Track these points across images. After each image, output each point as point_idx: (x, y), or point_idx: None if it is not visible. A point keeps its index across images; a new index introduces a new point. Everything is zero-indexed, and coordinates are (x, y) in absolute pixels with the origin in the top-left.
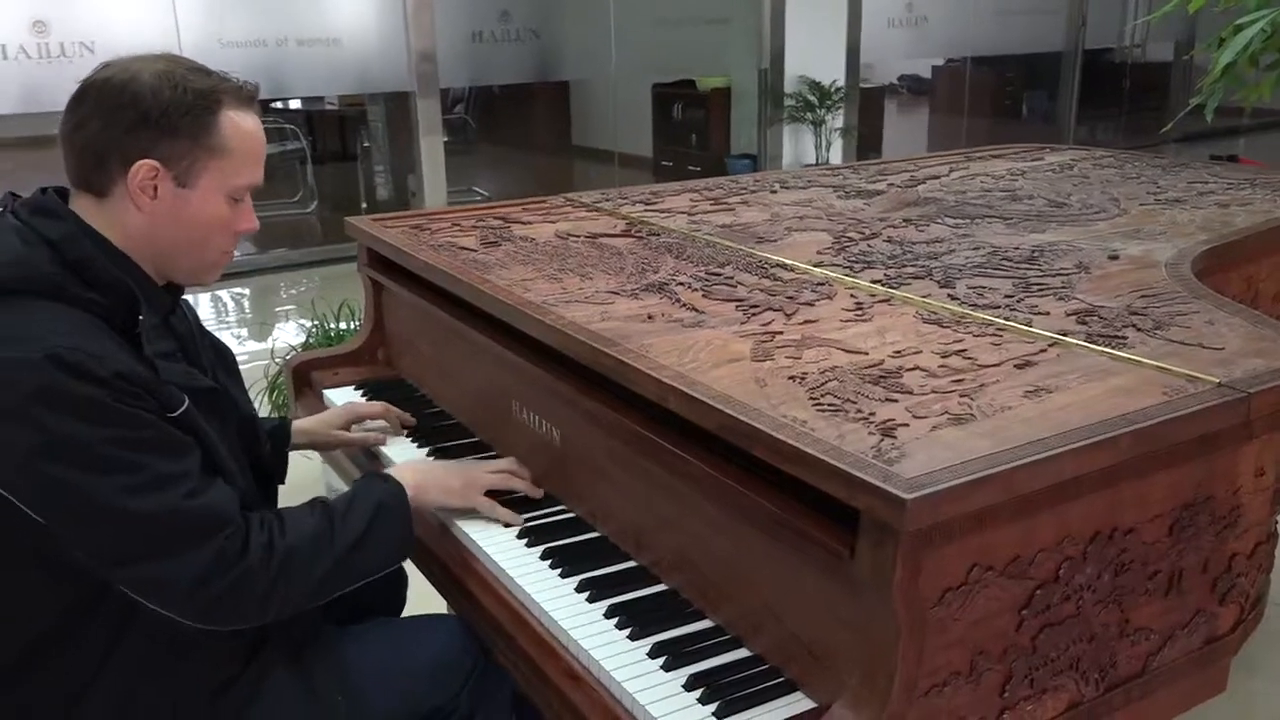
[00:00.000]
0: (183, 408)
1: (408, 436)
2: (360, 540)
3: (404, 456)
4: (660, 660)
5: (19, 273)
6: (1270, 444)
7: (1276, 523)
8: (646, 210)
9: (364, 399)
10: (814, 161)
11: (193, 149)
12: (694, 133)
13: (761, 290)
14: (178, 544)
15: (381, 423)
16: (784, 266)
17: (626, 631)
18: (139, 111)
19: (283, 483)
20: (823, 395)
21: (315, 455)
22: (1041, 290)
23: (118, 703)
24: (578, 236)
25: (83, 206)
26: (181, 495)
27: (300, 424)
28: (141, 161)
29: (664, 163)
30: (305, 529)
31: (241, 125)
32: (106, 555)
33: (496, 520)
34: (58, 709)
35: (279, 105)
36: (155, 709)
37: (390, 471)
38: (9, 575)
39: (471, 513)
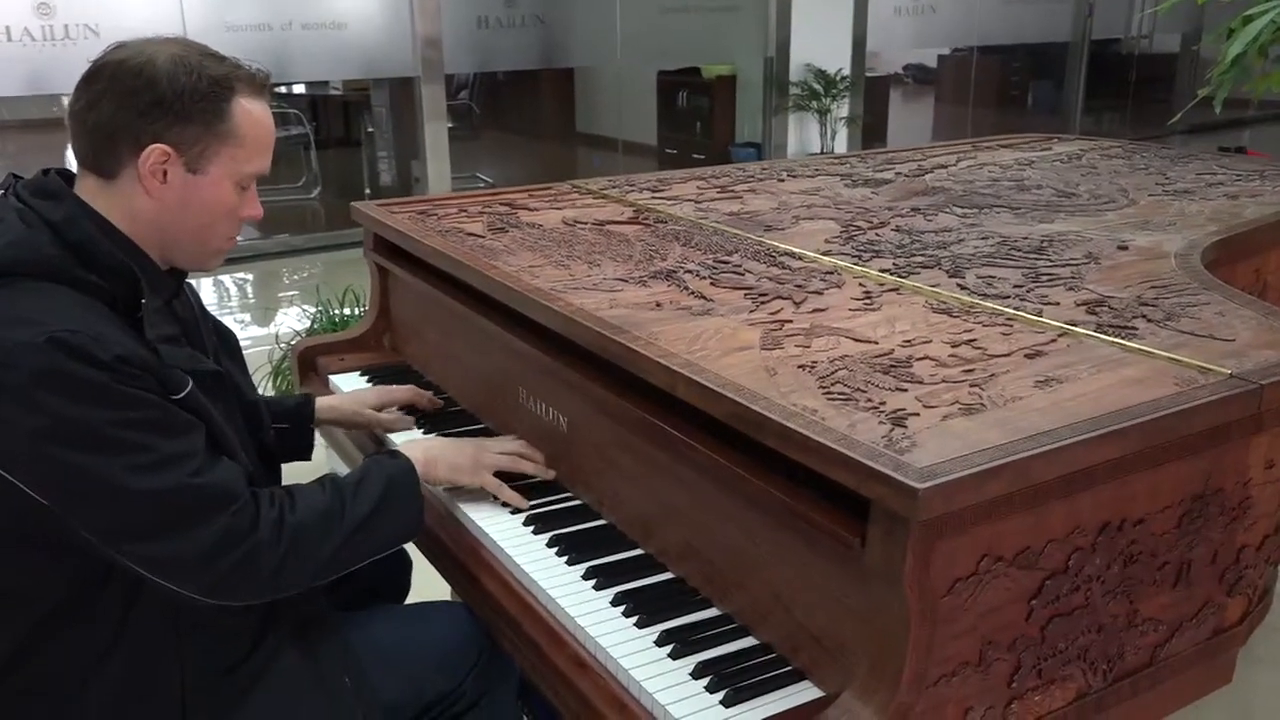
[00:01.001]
0: (186, 390)
1: (414, 424)
2: (370, 517)
3: None
4: (668, 648)
5: (20, 255)
6: None
7: None
8: (654, 197)
9: (370, 384)
10: (819, 150)
11: (205, 135)
12: (699, 121)
13: (770, 279)
14: (185, 520)
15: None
16: (792, 255)
17: (634, 619)
18: (154, 95)
19: (309, 459)
20: (833, 384)
21: (319, 440)
22: (1051, 280)
23: (126, 682)
24: (585, 223)
25: (88, 188)
26: (187, 473)
27: (327, 400)
28: (153, 146)
29: (668, 150)
30: (316, 505)
31: (253, 113)
32: (114, 534)
33: (503, 502)
34: (66, 689)
35: (283, 90)
36: (163, 689)
37: (399, 449)
38: (13, 556)
39: (478, 499)
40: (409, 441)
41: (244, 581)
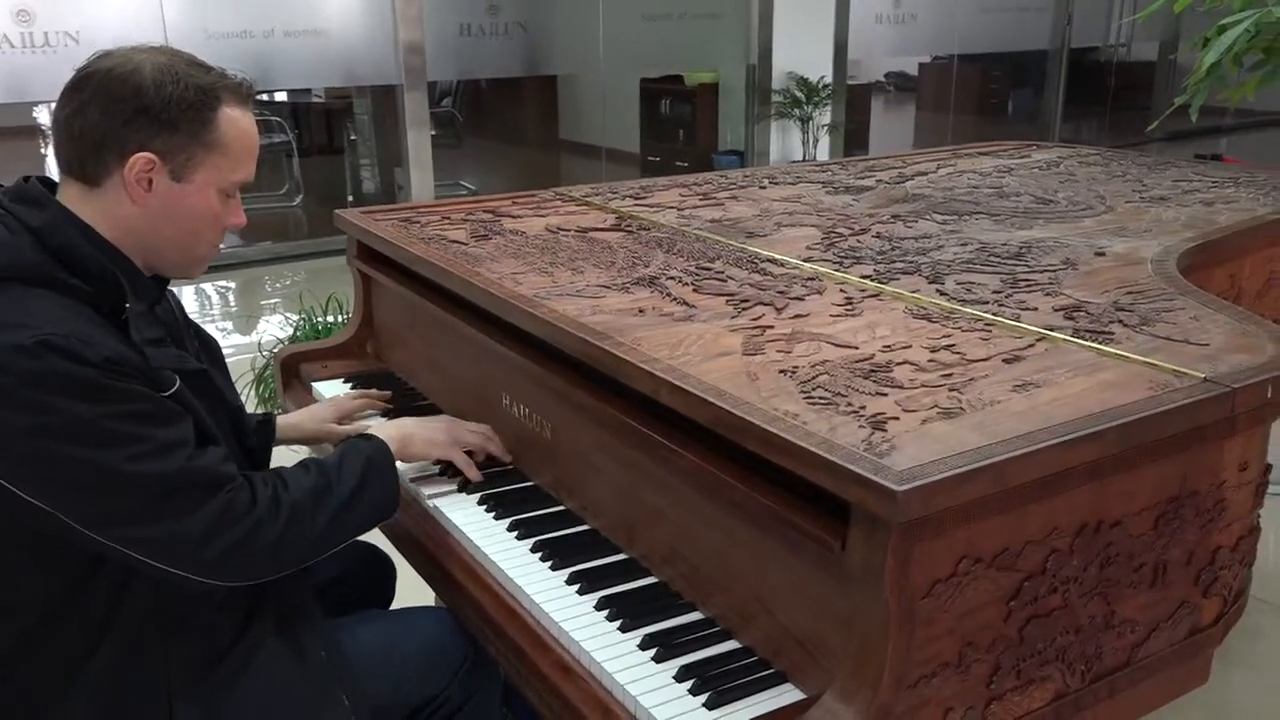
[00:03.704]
0: (174, 388)
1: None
2: (355, 494)
3: None
4: (651, 652)
5: (4, 259)
6: (1253, 438)
7: (1259, 516)
8: (636, 205)
9: (354, 391)
10: (801, 158)
11: (190, 144)
12: (681, 128)
13: (752, 285)
14: (186, 502)
15: (370, 414)
16: (774, 261)
17: (617, 624)
18: (140, 104)
19: None
20: (814, 389)
21: (303, 449)
22: (1029, 286)
23: (111, 680)
24: (568, 230)
25: (71, 196)
26: (185, 458)
27: (287, 419)
28: (139, 154)
29: (651, 158)
30: (305, 484)
31: (239, 123)
32: (113, 522)
33: (470, 489)
34: (53, 690)
35: (265, 97)
36: (148, 685)
37: (372, 431)
38: (3, 563)
39: (462, 505)
40: (381, 423)
41: (244, 559)
